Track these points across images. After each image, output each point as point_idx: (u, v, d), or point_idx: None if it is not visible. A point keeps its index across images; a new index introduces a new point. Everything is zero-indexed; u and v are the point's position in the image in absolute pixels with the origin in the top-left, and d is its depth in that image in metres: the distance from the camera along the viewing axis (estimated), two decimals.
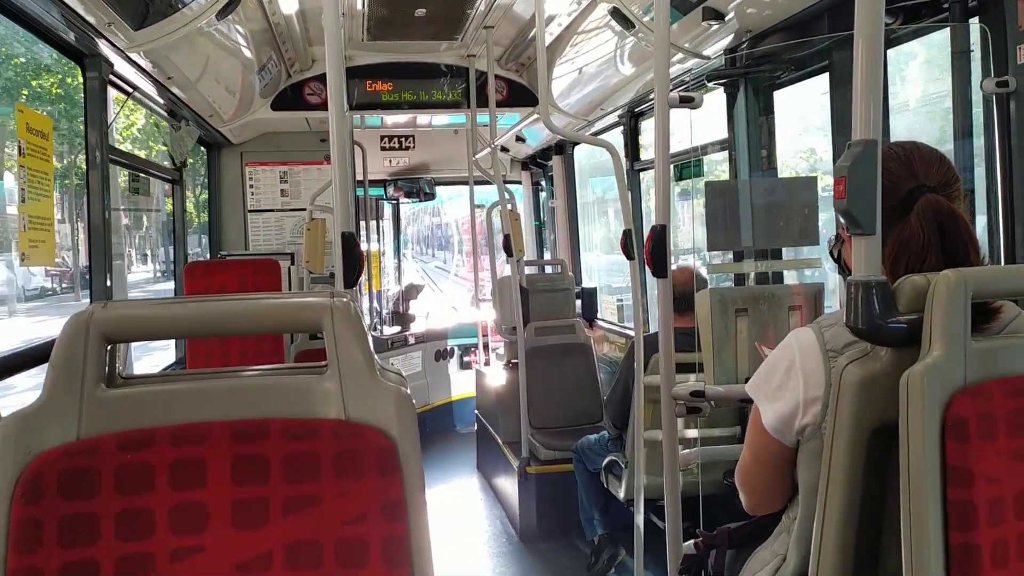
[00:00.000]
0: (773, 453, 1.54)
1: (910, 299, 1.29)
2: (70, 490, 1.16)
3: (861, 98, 1.30)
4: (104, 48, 3.12)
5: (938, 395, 1.19)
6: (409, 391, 1.29)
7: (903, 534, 1.20)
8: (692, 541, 1.99)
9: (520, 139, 6.60)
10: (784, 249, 3.08)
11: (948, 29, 2.48)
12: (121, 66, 3.39)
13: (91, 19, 2.83)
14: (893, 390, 1.23)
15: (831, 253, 1.67)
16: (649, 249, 2.25)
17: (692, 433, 2.81)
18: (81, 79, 3.32)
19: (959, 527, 1.18)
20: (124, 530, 1.17)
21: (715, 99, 3.77)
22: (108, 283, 3.41)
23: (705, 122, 3.87)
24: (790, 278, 3.11)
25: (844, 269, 1.63)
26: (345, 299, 1.28)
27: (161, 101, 4.23)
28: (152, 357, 6.31)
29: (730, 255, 3.34)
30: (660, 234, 2.23)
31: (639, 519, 3.25)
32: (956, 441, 1.18)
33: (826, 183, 2.94)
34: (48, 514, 1.15)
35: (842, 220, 1.33)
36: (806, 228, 2.28)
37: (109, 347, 1.23)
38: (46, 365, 1.24)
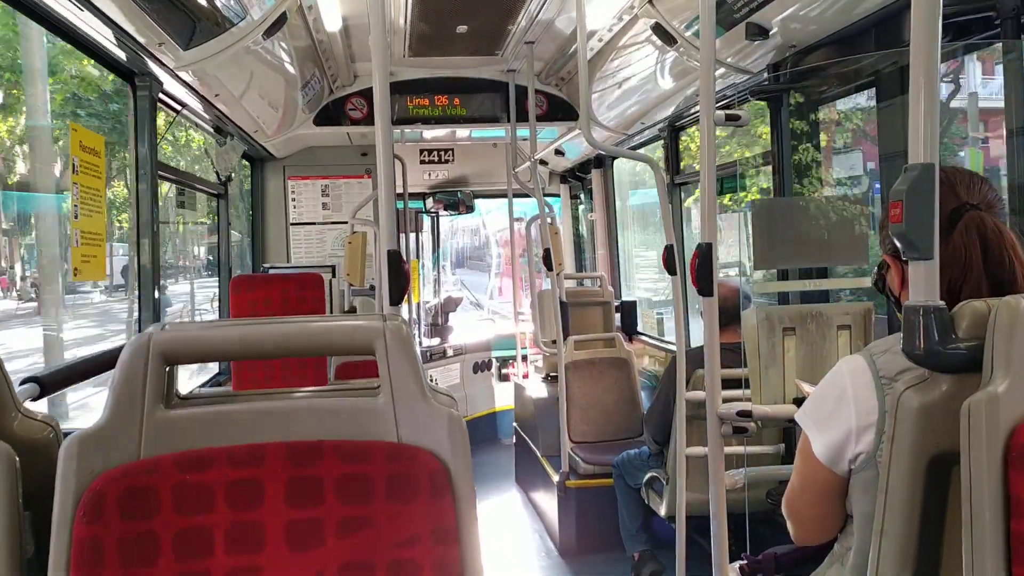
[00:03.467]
0: (824, 482, 1.51)
1: (970, 325, 1.26)
2: (131, 509, 1.18)
3: (918, 119, 1.28)
4: (154, 67, 3.18)
5: (1000, 424, 1.17)
6: (459, 415, 1.30)
7: (964, 567, 1.18)
8: (738, 564, 1.97)
9: (559, 152, 6.60)
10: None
11: (999, 45, 2.44)
12: (170, 84, 3.45)
13: (142, 39, 2.89)
14: (953, 418, 1.21)
15: (875, 284, 1.65)
16: (695, 267, 2.23)
17: (736, 451, 2.77)
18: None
19: (1022, 560, 1.15)
20: (183, 550, 1.18)
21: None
22: (156, 295, 3.47)
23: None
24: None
25: (889, 296, 1.61)
26: (397, 321, 1.29)
27: (207, 117, 4.30)
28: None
29: (773, 272, 3.30)
30: (706, 252, 2.22)
31: (681, 537, 3.22)
32: (1020, 472, 1.16)
33: None
34: (109, 533, 1.17)
35: (899, 244, 1.31)
36: (855, 248, 2.25)
37: (168, 368, 1.25)
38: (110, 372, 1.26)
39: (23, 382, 2.25)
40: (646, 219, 7.69)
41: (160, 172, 3.60)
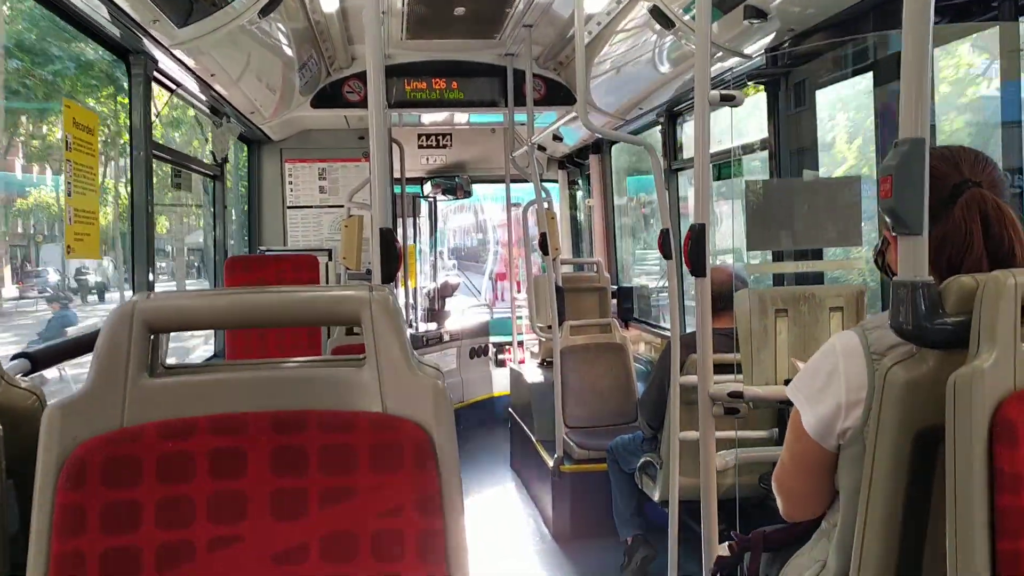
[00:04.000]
0: (813, 457, 1.51)
1: (958, 300, 1.26)
2: (113, 477, 1.18)
3: (909, 96, 1.27)
4: (149, 45, 3.17)
5: (986, 398, 1.17)
6: (445, 385, 1.29)
7: (948, 540, 1.18)
8: (727, 543, 1.97)
9: (557, 137, 6.58)
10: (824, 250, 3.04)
11: (997, 28, 2.43)
12: (165, 63, 3.44)
13: (137, 16, 2.87)
14: (939, 393, 1.21)
15: (875, 260, 1.65)
16: (687, 249, 2.23)
17: (728, 434, 2.78)
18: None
19: (1007, 533, 1.15)
20: (165, 518, 1.18)
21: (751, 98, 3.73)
22: (150, 276, 3.47)
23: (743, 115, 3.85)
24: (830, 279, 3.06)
25: (889, 274, 1.60)
26: (384, 292, 1.29)
27: (203, 98, 4.28)
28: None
29: (768, 255, 3.30)
30: (699, 234, 2.22)
31: (673, 521, 3.22)
32: (1005, 446, 1.16)
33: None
34: (91, 500, 1.17)
35: (888, 220, 1.31)
36: (848, 229, 2.24)
37: (152, 337, 1.25)
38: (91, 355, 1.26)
39: (14, 357, 2.25)
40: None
41: (155, 152, 3.59)
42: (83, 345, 2.59)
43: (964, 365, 1.20)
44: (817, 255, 3.08)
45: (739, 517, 2.55)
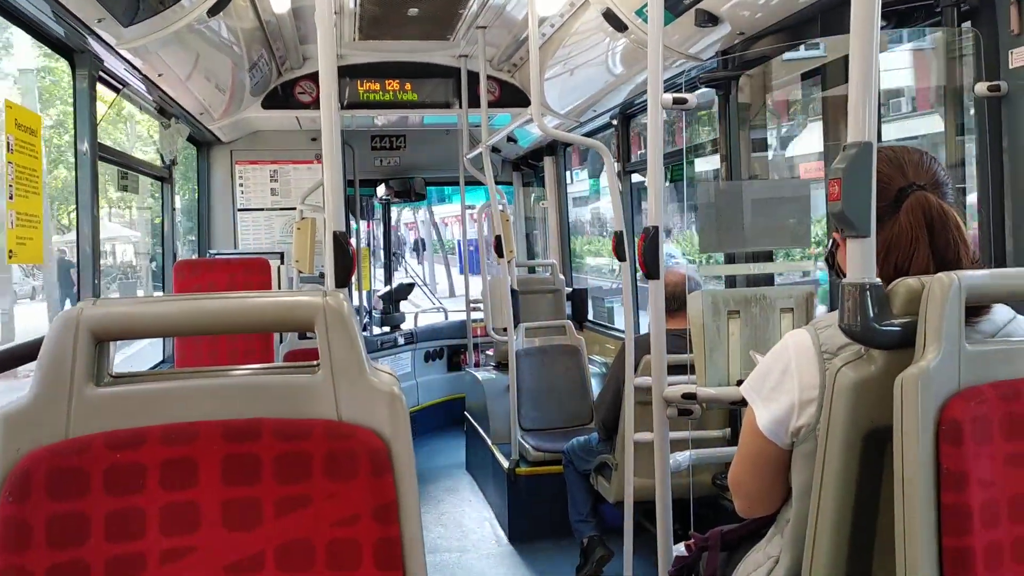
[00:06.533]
0: (768, 456, 1.53)
1: (904, 302, 1.29)
2: (59, 489, 1.14)
3: (857, 100, 1.29)
4: (94, 44, 3.10)
5: (932, 398, 1.19)
6: (401, 391, 1.28)
7: (896, 537, 1.20)
8: (684, 543, 1.98)
9: (511, 139, 6.58)
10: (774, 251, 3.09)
11: (940, 33, 2.49)
12: (111, 62, 3.37)
13: (81, 15, 2.81)
14: (887, 393, 1.23)
15: (826, 260, 1.67)
16: (641, 251, 2.24)
17: (682, 435, 2.80)
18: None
19: (953, 531, 1.18)
20: (114, 530, 1.15)
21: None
22: (96, 280, 3.39)
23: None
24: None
25: (839, 274, 1.63)
26: (339, 298, 1.27)
27: (151, 98, 4.20)
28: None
29: (720, 256, 3.33)
30: (653, 236, 2.23)
31: (628, 521, 3.24)
32: (950, 444, 1.18)
33: None
34: (36, 514, 1.14)
35: (836, 222, 1.33)
36: (798, 231, 2.28)
37: (99, 345, 1.22)
38: (34, 363, 1.22)
39: None
40: None
41: (101, 154, 3.51)
42: (25, 354, 2.52)
43: (910, 365, 1.22)
44: (768, 257, 3.12)
45: (693, 517, 2.58)
